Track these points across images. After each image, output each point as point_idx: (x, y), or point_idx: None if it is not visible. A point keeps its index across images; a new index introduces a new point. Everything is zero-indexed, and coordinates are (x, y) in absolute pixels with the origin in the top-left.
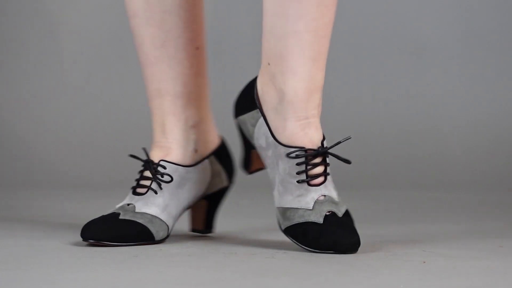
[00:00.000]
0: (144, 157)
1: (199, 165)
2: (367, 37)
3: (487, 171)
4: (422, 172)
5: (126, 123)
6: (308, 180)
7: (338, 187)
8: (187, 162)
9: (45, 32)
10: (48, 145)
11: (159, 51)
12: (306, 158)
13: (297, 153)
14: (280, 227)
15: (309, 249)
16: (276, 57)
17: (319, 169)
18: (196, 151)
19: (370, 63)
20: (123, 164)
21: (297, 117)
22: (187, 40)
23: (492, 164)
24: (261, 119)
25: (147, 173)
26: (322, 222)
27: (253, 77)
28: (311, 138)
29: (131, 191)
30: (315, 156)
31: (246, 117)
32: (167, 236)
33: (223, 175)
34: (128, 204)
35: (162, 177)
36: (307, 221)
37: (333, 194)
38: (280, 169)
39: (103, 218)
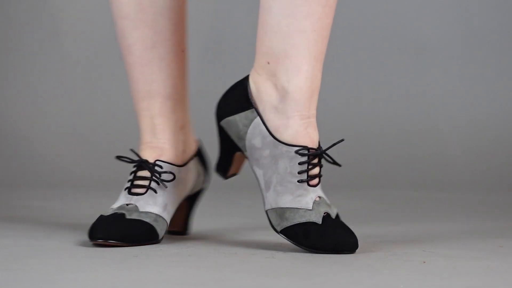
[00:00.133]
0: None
1: (187, 166)
2: (367, 37)
3: (487, 171)
4: (422, 172)
5: (126, 123)
6: (308, 180)
7: (338, 187)
8: (178, 162)
9: (45, 32)
10: (48, 145)
11: (150, 53)
12: (308, 158)
13: (300, 152)
14: (275, 228)
15: (309, 249)
16: (278, 56)
17: (317, 170)
18: (184, 151)
19: (370, 63)
20: (123, 164)
21: (301, 115)
22: (175, 43)
23: (492, 164)
24: (257, 118)
25: (142, 173)
26: (321, 223)
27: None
28: (312, 138)
29: (125, 191)
30: (315, 156)
31: (238, 117)
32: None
33: (202, 177)
34: (127, 204)
35: (160, 176)
36: (308, 221)
37: (325, 196)
38: (280, 168)
39: (109, 218)
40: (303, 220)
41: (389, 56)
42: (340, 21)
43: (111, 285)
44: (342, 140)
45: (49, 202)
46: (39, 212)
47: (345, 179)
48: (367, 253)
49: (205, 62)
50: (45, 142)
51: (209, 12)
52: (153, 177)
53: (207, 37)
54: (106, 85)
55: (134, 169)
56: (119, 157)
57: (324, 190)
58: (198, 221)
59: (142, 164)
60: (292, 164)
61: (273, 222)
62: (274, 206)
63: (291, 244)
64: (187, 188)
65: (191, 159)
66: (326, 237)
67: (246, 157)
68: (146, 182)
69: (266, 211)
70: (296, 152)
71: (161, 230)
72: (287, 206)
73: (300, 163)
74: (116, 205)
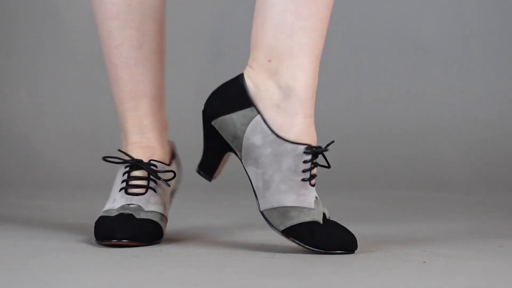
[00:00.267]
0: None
1: (171, 165)
2: (367, 37)
3: (487, 171)
4: (422, 172)
5: None
6: (310, 179)
7: (338, 187)
8: (166, 162)
9: (46, 32)
10: (48, 145)
11: (137, 53)
12: (312, 157)
13: (307, 150)
14: (277, 228)
15: (313, 249)
16: (282, 53)
17: (315, 169)
18: (168, 151)
19: (370, 63)
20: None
21: (305, 114)
22: (159, 44)
23: (492, 164)
24: (258, 117)
25: (138, 173)
26: (322, 223)
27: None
28: (313, 137)
29: (120, 192)
30: (317, 156)
31: (235, 116)
32: None
33: (178, 177)
34: (129, 204)
35: (158, 175)
36: (313, 220)
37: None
38: (283, 166)
39: (119, 218)
40: (308, 219)
41: (389, 56)
42: (340, 21)
43: (111, 285)
44: (333, 141)
45: (49, 202)
46: (39, 212)
47: (345, 179)
48: (367, 253)
49: (205, 62)
50: (45, 142)
51: (209, 12)
52: (153, 177)
53: (207, 37)
54: (106, 85)
55: (127, 169)
56: (106, 159)
57: (324, 190)
58: (198, 221)
59: (137, 164)
60: (296, 162)
61: (274, 222)
62: (276, 205)
63: (291, 244)
64: (173, 187)
65: (172, 159)
66: (332, 236)
67: (239, 157)
68: (144, 182)
69: (263, 212)
70: (305, 150)
71: (164, 228)
72: (292, 205)
73: (305, 162)
74: (115, 205)
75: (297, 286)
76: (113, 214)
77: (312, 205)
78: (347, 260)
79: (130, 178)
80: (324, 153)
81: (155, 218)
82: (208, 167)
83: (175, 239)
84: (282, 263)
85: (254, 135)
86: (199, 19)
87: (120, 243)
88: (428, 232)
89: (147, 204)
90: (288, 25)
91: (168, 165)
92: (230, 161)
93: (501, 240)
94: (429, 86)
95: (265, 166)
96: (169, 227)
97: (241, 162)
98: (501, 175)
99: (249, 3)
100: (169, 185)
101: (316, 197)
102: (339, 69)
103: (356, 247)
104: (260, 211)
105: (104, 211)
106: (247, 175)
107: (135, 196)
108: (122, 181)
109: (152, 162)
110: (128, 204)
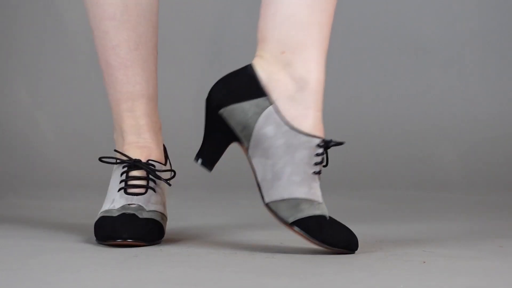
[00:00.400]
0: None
1: (167, 166)
2: (367, 37)
3: (487, 171)
4: (422, 172)
5: None
6: (319, 172)
7: (338, 187)
8: (163, 162)
9: (45, 32)
10: (48, 145)
11: (134, 54)
12: (324, 150)
13: (318, 143)
14: (285, 220)
15: (320, 243)
16: (296, 46)
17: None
18: (163, 151)
19: (370, 63)
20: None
21: (317, 107)
22: (154, 45)
23: (492, 164)
24: (271, 107)
25: (136, 173)
26: (328, 218)
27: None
28: (323, 131)
29: (119, 192)
30: (327, 149)
31: (247, 105)
32: None
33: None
34: (130, 204)
35: (157, 174)
36: (323, 214)
37: None
38: (296, 158)
39: (124, 218)
40: (318, 212)
41: (389, 56)
42: (340, 21)
43: (111, 285)
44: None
45: (49, 202)
46: (39, 212)
47: (345, 179)
48: (367, 253)
49: (205, 62)
50: (45, 142)
51: (209, 12)
52: (152, 176)
53: (207, 37)
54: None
55: (125, 169)
56: (102, 159)
57: (324, 190)
58: (198, 221)
59: (136, 163)
60: (310, 155)
61: (282, 214)
62: (286, 196)
63: (291, 243)
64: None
65: (166, 159)
66: (338, 233)
67: (244, 148)
68: (143, 182)
69: (269, 203)
70: (319, 143)
71: (165, 228)
72: (303, 197)
73: (316, 155)
74: (115, 205)
75: (297, 286)
76: (115, 214)
77: (321, 199)
78: (347, 260)
79: (129, 178)
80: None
81: (157, 218)
82: (210, 157)
83: (175, 239)
84: (282, 263)
85: (266, 125)
86: (199, 19)
87: (125, 242)
88: (428, 232)
89: (148, 204)
90: (303, 19)
91: (165, 165)
92: (230, 161)
93: (501, 240)
94: (429, 86)
95: (276, 157)
96: (169, 227)
97: (246, 152)
98: (501, 175)
99: (249, 3)
100: (170, 184)
101: None
102: (339, 69)
103: (357, 247)
104: (265, 203)
105: (104, 211)
106: (251, 167)
107: (135, 196)
108: (121, 181)
109: (150, 162)
110: (129, 204)
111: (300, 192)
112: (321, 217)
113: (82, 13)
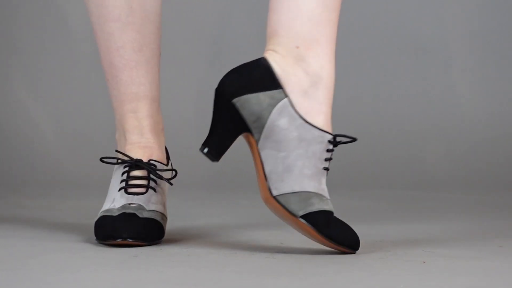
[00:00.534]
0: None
1: (169, 167)
2: (367, 37)
3: (487, 171)
4: (422, 172)
5: None
6: (328, 168)
7: (338, 187)
8: (165, 162)
9: (45, 32)
10: (48, 145)
11: (138, 55)
12: (333, 146)
13: (329, 139)
14: (295, 213)
15: (326, 239)
16: (310, 42)
17: None
18: (164, 152)
19: (370, 63)
20: None
21: (329, 103)
22: (157, 46)
23: (492, 164)
24: (286, 99)
25: (137, 173)
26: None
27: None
28: (331, 127)
29: (119, 192)
30: (336, 146)
31: (262, 96)
32: None
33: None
34: (130, 204)
35: (158, 174)
36: (331, 209)
37: None
38: (309, 152)
39: (125, 218)
40: (327, 207)
41: (389, 56)
42: (340, 21)
43: (111, 285)
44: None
45: (49, 202)
46: (39, 212)
47: (345, 179)
48: (367, 253)
49: (205, 62)
50: (45, 142)
51: (209, 12)
52: (153, 176)
53: (207, 37)
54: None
55: (126, 169)
56: (103, 159)
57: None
58: (198, 221)
59: (137, 163)
60: (322, 150)
61: (292, 207)
62: (297, 189)
63: (291, 243)
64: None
65: (168, 160)
66: (343, 231)
67: (254, 140)
68: (144, 182)
69: (277, 197)
70: (330, 139)
71: (165, 228)
72: (315, 191)
73: (327, 150)
74: (116, 205)
75: (297, 286)
76: (115, 213)
77: (328, 195)
78: (347, 260)
79: (130, 177)
80: None
81: (157, 218)
82: (219, 147)
83: (175, 239)
84: (282, 263)
85: (280, 117)
86: (199, 19)
87: (125, 242)
88: (428, 232)
89: (148, 204)
90: (317, 15)
91: (166, 165)
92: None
93: (501, 240)
94: (429, 86)
95: (288, 149)
96: (169, 227)
97: (255, 144)
98: (501, 175)
99: (249, 3)
100: (171, 184)
101: None
102: (339, 69)
103: (359, 247)
104: (272, 196)
105: (104, 211)
106: (256, 160)
107: (136, 196)
108: (122, 181)
109: (151, 161)
110: (129, 204)
111: (311, 186)
112: (329, 213)
113: (83, 13)
